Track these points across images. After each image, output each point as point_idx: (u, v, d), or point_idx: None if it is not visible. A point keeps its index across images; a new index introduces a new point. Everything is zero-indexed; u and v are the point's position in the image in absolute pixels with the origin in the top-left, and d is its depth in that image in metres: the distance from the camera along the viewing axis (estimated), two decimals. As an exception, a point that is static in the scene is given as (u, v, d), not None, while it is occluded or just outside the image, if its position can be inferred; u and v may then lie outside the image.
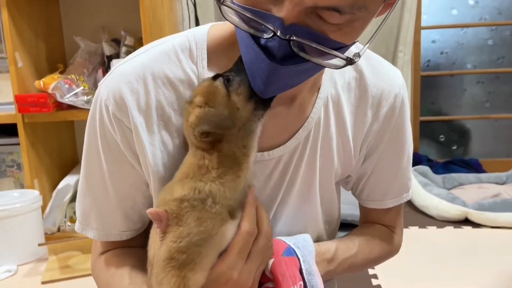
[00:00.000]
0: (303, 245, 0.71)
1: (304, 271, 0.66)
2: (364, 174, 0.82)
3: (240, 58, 0.63)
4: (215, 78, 0.64)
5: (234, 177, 0.62)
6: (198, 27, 0.75)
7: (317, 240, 0.81)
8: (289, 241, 0.71)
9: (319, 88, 0.74)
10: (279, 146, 0.73)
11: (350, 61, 0.56)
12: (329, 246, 0.79)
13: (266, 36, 0.54)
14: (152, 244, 0.64)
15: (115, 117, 0.68)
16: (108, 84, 0.69)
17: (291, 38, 0.53)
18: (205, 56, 0.70)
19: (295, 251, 0.68)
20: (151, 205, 0.75)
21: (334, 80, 0.76)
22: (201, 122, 0.60)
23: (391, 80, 0.78)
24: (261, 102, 0.63)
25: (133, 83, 0.68)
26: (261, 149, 0.71)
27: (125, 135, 0.69)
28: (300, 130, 0.74)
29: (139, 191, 0.74)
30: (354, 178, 0.84)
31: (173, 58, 0.70)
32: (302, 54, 0.55)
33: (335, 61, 0.57)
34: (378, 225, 0.88)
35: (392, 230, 0.88)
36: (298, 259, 0.67)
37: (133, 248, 0.78)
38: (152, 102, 0.68)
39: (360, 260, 0.82)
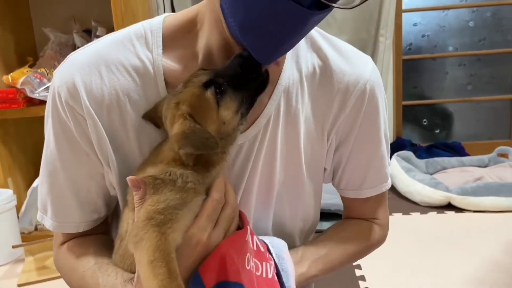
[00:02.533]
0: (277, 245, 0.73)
1: (274, 255, 0.69)
2: (339, 163, 0.81)
3: (236, 56, 0.64)
4: (207, 85, 0.63)
5: (206, 170, 0.65)
6: (154, 17, 0.74)
7: (285, 237, 0.79)
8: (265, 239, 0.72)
9: (278, 76, 0.73)
10: (240, 133, 0.72)
11: None
12: (296, 249, 0.79)
13: None
14: (125, 221, 0.68)
15: (68, 104, 0.68)
16: (61, 72, 0.70)
17: None
18: (161, 43, 0.70)
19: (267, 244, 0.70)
20: (106, 196, 0.76)
21: (297, 67, 0.74)
22: (185, 143, 0.61)
23: (359, 68, 0.76)
24: (247, 109, 0.65)
25: (86, 70, 0.68)
26: None
27: (79, 122, 0.69)
28: (260, 117, 0.73)
29: (93, 180, 0.74)
30: (329, 169, 0.82)
31: (128, 45, 0.70)
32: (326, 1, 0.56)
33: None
34: (355, 220, 0.87)
35: (374, 222, 0.86)
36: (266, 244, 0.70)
37: (94, 235, 0.79)
38: (105, 89, 0.68)
39: (335, 259, 0.81)
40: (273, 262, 0.70)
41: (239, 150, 0.73)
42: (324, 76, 0.75)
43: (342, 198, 0.87)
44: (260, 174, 0.76)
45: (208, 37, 0.68)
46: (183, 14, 0.72)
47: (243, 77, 0.64)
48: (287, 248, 0.76)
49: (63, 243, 0.79)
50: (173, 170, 0.63)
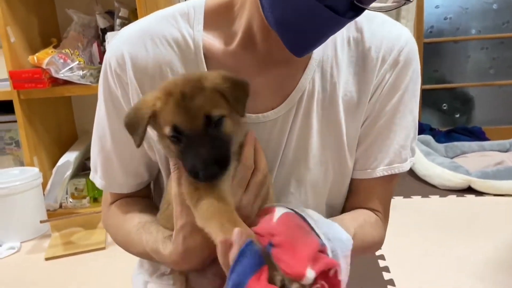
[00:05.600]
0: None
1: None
2: (365, 136, 0.78)
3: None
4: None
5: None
6: None
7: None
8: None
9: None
10: (273, 108, 0.74)
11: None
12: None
13: None
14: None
15: (116, 73, 0.74)
16: (113, 44, 0.76)
17: None
18: (202, 20, 0.74)
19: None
20: (148, 163, 0.81)
21: (332, 40, 0.74)
22: None
23: (395, 37, 0.75)
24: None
25: (133, 43, 0.74)
26: (256, 111, 0.73)
27: (125, 90, 0.75)
28: (293, 92, 0.74)
29: (137, 148, 0.76)
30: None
31: (172, 21, 0.75)
32: (361, 5, 0.58)
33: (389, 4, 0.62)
34: (368, 212, 0.81)
35: (378, 215, 0.81)
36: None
37: (140, 198, 0.84)
38: (150, 60, 0.73)
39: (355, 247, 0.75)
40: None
41: (274, 124, 0.74)
42: (361, 47, 0.75)
43: (350, 184, 0.82)
44: (294, 150, 0.76)
45: (248, 18, 0.70)
46: None
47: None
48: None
49: (111, 203, 0.85)
50: None
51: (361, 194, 0.81)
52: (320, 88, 0.74)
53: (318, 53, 0.74)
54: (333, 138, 0.76)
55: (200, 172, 0.60)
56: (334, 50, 0.75)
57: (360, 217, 0.79)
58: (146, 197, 0.86)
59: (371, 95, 0.76)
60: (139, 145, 0.64)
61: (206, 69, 0.73)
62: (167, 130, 0.62)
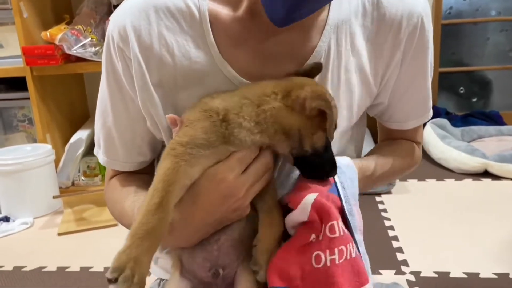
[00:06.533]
0: (347, 184, 0.70)
1: (346, 211, 0.65)
2: (387, 97, 0.81)
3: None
4: None
5: (271, 135, 0.64)
6: None
7: None
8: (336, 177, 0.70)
9: (327, 14, 0.72)
10: (288, 75, 0.71)
11: None
12: (370, 164, 0.80)
13: None
14: None
15: (119, 47, 0.72)
16: (115, 17, 0.74)
17: None
18: None
19: (338, 191, 0.68)
20: (151, 141, 0.79)
21: (348, 5, 0.73)
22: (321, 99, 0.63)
23: (411, 2, 0.74)
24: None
25: (136, 15, 0.71)
26: (269, 77, 0.70)
27: (127, 65, 0.72)
28: (311, 58, 0.72)
29: (138, 125, 0.77)
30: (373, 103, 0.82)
31: None
32: None
33: None
34: (402, 141, 0.89)
35: (413, 142, 0.89)
36: (341, 199, 0.66)
37: (140, 174, 0.83)
38: (154, 33, 0.71)
39: (390, 174, 0.85)
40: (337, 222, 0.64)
41: None
42: (377, 12, 0.73)
43: (381, 125, 0.90)
44: None
45: None
46: None
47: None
48: (356, 174, 0.74)
49: (111, 177, 0.84)
50: (240, 110, 0.63)
51: (395, 136, 0.89)
52: (335, 55, 0.72)
53: (333, 18, 0.72)
54: (345, 105, 0.75)
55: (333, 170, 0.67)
56: (349, 15, 0.72)
57: (395, 148, 0.87)
58: (148, 173, 0.83)
59: (389, 61, 0.75)
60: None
61: (212, 38, 0.71)
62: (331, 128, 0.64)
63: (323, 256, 0.61)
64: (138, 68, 0.71)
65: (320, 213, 0.62)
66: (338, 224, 0.62)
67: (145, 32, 0.71)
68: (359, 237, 0.66)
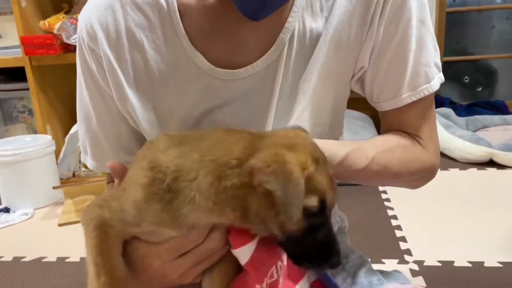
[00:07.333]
0: None
1: None
2: (374, 67, 0.72)
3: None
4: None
5: (228, 215, 0.51)
6: None
7: None
8: None
9: None
10: (262, 56, 0.68)
11: None
12: (340, 150, 0.68)
13: None
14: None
15: (89, 47, 0.70)
16: (83, 15, 0.71)
17: None
18: None
19: None
20: (138, 138, 0.75)
21: None
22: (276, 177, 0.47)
23: None
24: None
25: (102, 12, 0.69)
26: (244, 64, 0.68)
27: (101, 65, 0.70)
28: (281, 34, 0.68)
29: (123, 123, 0.74)
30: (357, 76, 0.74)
31: None
32: None
33: None
34: (401, 133, 0.74)
35: (418, 141, 0.73)
36: None
37: None
38: (121, 30, 0.68)
39: (371, 175, 0.70)
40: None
41: (266, 73, 0.69)
42: None
43: (381, 117, 0.78)
44: (289, 93, 0.71)
45: None
46: None
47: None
48: None
49: (108, 182, 0.82)
50: (196, 177, 0.49)
51: (394, 124, 0.75)
52: (311, 25, 0.68)
53: None
54: (329, 78, 0.71)
55: (336, 257, 0.50)
56: None
57: (390, 141, 0.72)
58: None
59: (369, 23, 0.68)
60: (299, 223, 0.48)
61: (183, 30, 0.67)
62: (314, 201, 0.48)
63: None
64: (110, 66, 0.69)
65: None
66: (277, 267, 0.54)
67: (112, 29, 0.68)
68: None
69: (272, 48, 0.68)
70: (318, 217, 0.49)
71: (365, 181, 0.77)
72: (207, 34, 0.68)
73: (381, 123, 0.78)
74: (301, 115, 0.72)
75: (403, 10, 0.68)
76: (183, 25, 0.68)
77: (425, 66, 0.70)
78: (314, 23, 0.69)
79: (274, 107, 0.71)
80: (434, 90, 0.71)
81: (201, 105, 0.70)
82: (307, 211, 0.48)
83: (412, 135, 0.74)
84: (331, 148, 0.65)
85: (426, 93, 0.70)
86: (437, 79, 0.71)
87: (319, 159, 0.50)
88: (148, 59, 0.69)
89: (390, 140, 0.73)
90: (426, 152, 0.73)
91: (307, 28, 0.69)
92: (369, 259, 0.82)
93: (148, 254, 0.57)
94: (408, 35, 0.68)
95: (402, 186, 0.78)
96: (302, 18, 0.68)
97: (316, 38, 0.69)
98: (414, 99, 0.70)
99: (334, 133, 0.79)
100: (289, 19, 0.68)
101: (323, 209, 0.49)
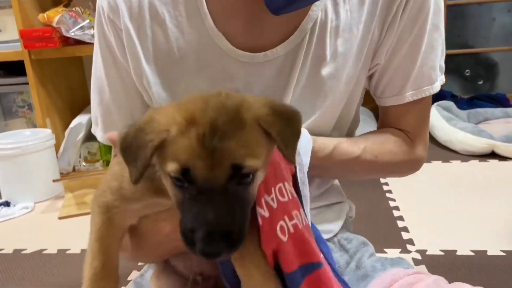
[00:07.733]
0: (302, 151, 0.63)
1: (298, 179, 0.60)
2: (386, 63, 0.75)
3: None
4: None
5: None
6: None
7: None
8: None
9: None
10: (283, 42, 0.69)
11: None
12: (327, 144, 0.71)
13: None
14: None
15: (109, 18, 0.69)
16: None
17: None
18: None
19: None
20: None
21: None
22: None
23: None
24: None
25: None
26: (263, 49, 0.68)
27: (119, 36, 0.70)
28: (304, 21, 0.68)
29: (137, 98, 0.74)
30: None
31: None
32: None
33: None
34: (392, 129, 0.78)
35: (410, 137, 0.78)
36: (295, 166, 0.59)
37: None
38: (144, 4, 0.68)
39: (363, 164, 0.74)
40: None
41: (285, 59, 0.69)
42: None
43: (380, 111, 0.81)
44: (305, 81, 0.71)
45: None
46: None
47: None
48: (310, 145, 0.67)
49: (115, 155, 0.81)
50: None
51: (391, 119, 0.78)
52: (333, 16, 0.69)
53: None
54: (347, 66, 0.72)
55: (199, 244, 0.43)
56: None
57: (381, 136, 0.76)
58: None
59: (387, 22, 0.71)
60: (136, 181, 0.45)
61: (206, 9, 0.67)
62: (173, 168, 0.44)
63: (284, 225, 0.53)
64: (129, 40, 0.69)
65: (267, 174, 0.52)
66: (285, 187, 0.54)
67: (135, 2, 0.68)
68: (308, 209, 0.61)
69: (293, 35, 0.69)
70: (188, 189, 0.45)
71: (356, 173, 0.78)
72: (229, 15, 0.68)
73: (379, 116, 0.81)
74: (321, 105, 0.72)
75: (421, 13, 0.70)
76: (206, 4, 0.68)
77: (431, 68, 0.73)
78: (336, 15, 0.69)
79: (290, 94, 0.71)
80: (435, 92, 0.75)
81: (216, 88, 0.70)
82: (172, 178, 0.45)
83: (404, 131, 0.78)
84: (322, 139, 0.70)
85: (428, 94, 0.74)
86: (439, 81, 0.75)
87: (199, 123, 0.44)
88: (169, 35, 0.69)
89: (382, 135, 0.77)
90: (416, 146, 0.78)
91: (329, 18, 0.69)
92: (372, 246, 0.82)
93: (160, 218, 0.58)
94: (421, 37, 0.71)
95: (388, 176, 0.82)
96: (325, 8, 0.69)
97: (336, 29, 0.69)
98: (415, 98, 0.74)
99: (353, 126, 0.81)
100: (313, 7, 0.68)
101: (191, 180, 0.44)
